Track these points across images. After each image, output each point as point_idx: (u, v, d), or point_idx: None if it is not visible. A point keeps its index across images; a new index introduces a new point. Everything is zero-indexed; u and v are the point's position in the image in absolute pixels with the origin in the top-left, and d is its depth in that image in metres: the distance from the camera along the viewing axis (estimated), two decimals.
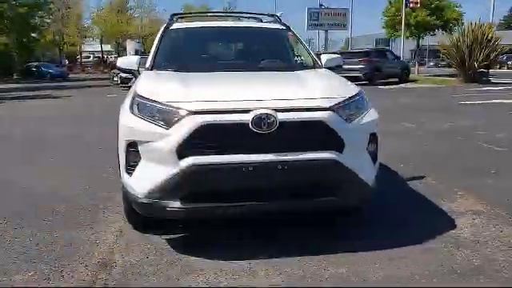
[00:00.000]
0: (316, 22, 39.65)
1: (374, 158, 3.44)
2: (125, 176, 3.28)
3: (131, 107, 3.30)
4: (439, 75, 29.62)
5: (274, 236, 3.57)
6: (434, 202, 4.32)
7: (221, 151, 3.00)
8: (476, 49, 20.82)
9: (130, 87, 15.36)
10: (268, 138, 2.99)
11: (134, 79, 4.50)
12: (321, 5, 43.25)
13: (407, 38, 33.20)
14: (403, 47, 32.08)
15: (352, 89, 3.50)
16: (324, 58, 4.57)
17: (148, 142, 3.10)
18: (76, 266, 3.08)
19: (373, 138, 3.40)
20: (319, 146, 3.09)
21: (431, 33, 33.58)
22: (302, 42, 4.78)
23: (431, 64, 60.10)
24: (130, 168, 3.24)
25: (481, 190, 4.66)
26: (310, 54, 4.62)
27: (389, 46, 53.00)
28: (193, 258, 3.18)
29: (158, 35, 4.63)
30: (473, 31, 21.29)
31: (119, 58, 4.56)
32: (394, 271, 2.97)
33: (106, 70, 45.19)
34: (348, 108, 3.25)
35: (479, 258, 3.14)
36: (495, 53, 21.85)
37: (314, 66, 4.42)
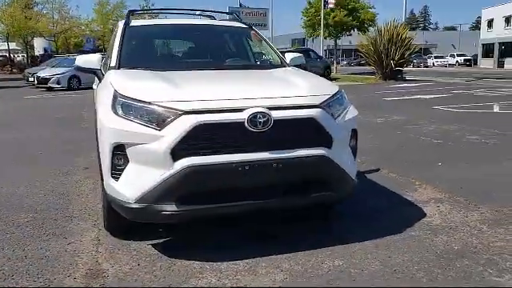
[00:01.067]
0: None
1: (355, 153, 3.57)
2: (110, 181, 3.12)
3: (113, 107, 3.14)
4: (357, 73, 31.09)
5: (264, 234, 3.59)
6: (398, 193, 4.55)
7: (216, 151, 2.95)
8: (392, 48, 22.12)
9: (48, 88, 14.74)
10: (262, 137, 2.99)
11: (97, 80, 4.28)
12: (240, 4, 43.65)
13: (325, 38, 34.45)
14: (322, 47, 33.28)
15: (333, 86, 3.59)
16: (288, 56, 4.64)
17: (137, 144, 2.98)
18: (63, 279, 2.90)
19: (354, 133, 3.52)
20: (310, 143, 3.15)
21: (347, 33, 35.13)
22: (266, 41, 4.81)
23: (344, 63, 63.08)
24: (116, 172, 3.08)
25: (435, 180, 4.98)
26: (276, 52, 4.66)
27: (305, 45, 54.77)
28: (186, 261, 3.10)
29: (119, 32, 4.43)
30: (388, 31, 22.59)
31: (78, 57, 4.29)
32: (387, 260, 3.10)
33: (14, 70, 42.19)
34: (333, 105, 3.33)
35: (457, 243, 3.37)
36: (409, 52, 23.39)
37: (282, 64, 4.47)
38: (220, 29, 4.97)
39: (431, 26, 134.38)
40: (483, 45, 60.96)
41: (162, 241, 3.47)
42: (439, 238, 3.46)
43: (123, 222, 3.42)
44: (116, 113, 3.10)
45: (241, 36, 4.92)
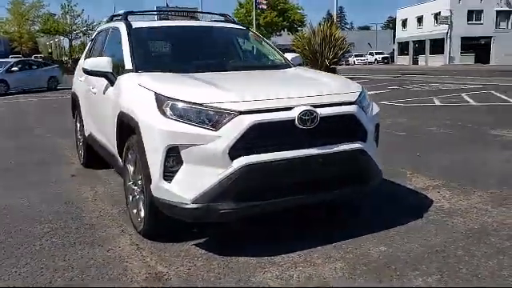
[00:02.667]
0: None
1: (377, 145, 3.82)
2: (162, 183, 3.11)
3: (161, 110, 3.14)
4: None
5: (297, 228, 3.73)
6: (397, 183, 4.88)
7: (270, 149, 3.06)
8: (326, 47, 22.93)
9: None
10: (310, 133, 3.14)
11: (107, 83, 4.17)
12: (167, 5, 43.16)
13: None
14: None
15: (357, 84, 3.81)
16: (289, 56, 4.82)
17: (193, 145, 3.01)
18: (129, 285, 2.86)
19: (377, 127, 3.76)
20: (349, 138, 3.35)
21: (278, 33, 35.93)
22: (266, 41, 4.94)
23: None
24: (169, 174, 3.09)
25: (422, 169, 5.37)
26: (279, 52, 4.81)
27: None
28: (240, 257, 3.17)
29: (123, 35, 4.34)
30: (322, 31, 23.39)
31: (87, 60, 4.17)
32: (425, 242, 3.37)
33: None
34: (363, 101, 3.55)
35: (474, 223, 3.73)
36: (342, 51, 24.38)
37: (287, 64, 4.63)
38: (224, 30, 5.02)
39: (347, 26, 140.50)
40: (399, 43, 64.78)
41: (202, 241, 3.49)
42: (457, 220, 3.79)
43: (164, 226, 3.43)
44: (165, 115, 3.11)
45: (244, 37, 5.01)
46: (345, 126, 3.34)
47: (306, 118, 3.09)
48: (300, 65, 4.77)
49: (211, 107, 3.04)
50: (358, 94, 3.52)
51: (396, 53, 65.75)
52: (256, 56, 4.91)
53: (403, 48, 63.73)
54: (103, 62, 4.05)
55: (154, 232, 3.46)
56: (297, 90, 3.33)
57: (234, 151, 2.97)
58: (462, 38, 53.15)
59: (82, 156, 5.89)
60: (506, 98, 12.96)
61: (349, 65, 60.26)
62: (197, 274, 2.97)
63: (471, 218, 3.84)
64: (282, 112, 3.09)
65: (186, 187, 3.05)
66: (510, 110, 10.72)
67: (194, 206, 3.03)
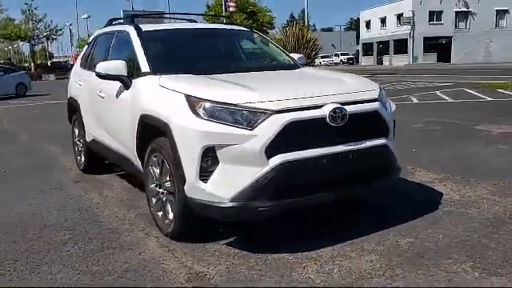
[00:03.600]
0: None
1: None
2: (198, 184, 3.13)
3: (194, 111, 3.16)
4: None
5: (319, 224, 3.81)
6: (402, 178, 5.00)
7: (303, 146, 3.13)
8: (299, 49, 23.22)
9: None
10: (340, 130, 3.23)
11: (120, 85, 4.15)
12: (133, 9, 42.69)
13: None
14: None
15: (375, 82, 3.92)
16: (295, 57, 4.91)
17: (229, 145, 3.05)
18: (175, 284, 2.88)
19: (394, 124, 3.89)
20: (374, 134, 3.46)
21: None
22: (272, 43, 5.01)
23: None
24: (205, 174, 3.12)
25: (421, 164, 5.55)
26: (285, 53, 4.89)
27: None
28: (275, 254, 3.22)
29: (134, 37, 4.32)
30: (294, 33, 23.70)
31: (101, 64, 4.12)
32: (448, 233, 3.50)
33: None
34: (383, 98, 3.67)
35: (488, 212, 3.90)
36: (314, 52, 24.77)
37: (296, 64, 4.72)
38: (232, 32, 5.06)
39: (310, 28, 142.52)
40: (363, 44, 66.12)
41: (231, 240, 3.52)
42: (471, 211, 3.96)
43: (195, 227, 3.46)
44: (199, 116, 3.13)
45: (250, 38, 5.06)
46: (369, 123, 3.44)
47: (337, 115, 3.18)
48: (306, 65, 4.87)
49: (246, 107, 3.08)
50: (378, 91, 3.63)
51: (360, 53, 67.07)
52: (265, 57, 4.97)
53: (367, 49, 65.07)
54: (118, 66, 4.03)
55: (184, 233, 3.47)
56: (324, 89, 3.41)
57: (270, 150, 3.03)
58: (425, 38, 54.80)
59: (82, 161, 5.79)
60: (478, 94, 13.46)
61: (314, 65, 61.11)
62: (238, 272, 3.01)
63: (483, 208, 4.01)
64: (313, 110, 3.17)
65: (223, 186, 3.08)
66: (486, 106, 11.15)
67: (232, 204, 3.06)
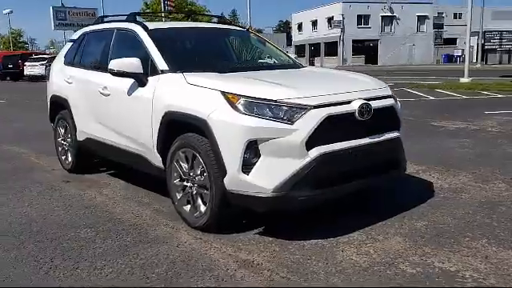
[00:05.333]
0: (64, 22, 37.64)
1: None
2: (240, 176, 3.28)
3: (234, 107, 3.31)
4: None
5: (335, 218, 4.08)
6: None
7: (336, 139, 3.39)
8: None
9: None
10: (365, 124, 3.53)
11: (133, 82, 4.17)
12: (63, 4, 41.04)
13: None
14: None
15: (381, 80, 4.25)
16: (292, 56, 5.16)
17: (271, 138, 3.23)
18: (233, 274, 3.00)
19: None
20: (390, 127, 3.80)
21: None
22: (270, 43, 5.22)
23: None
24: (247, 167, 3.28)
25: None
26: (285, 53, 5.13)
27: None
28: (310, 240, 3.42)
29: (143, 36, 4.35)
30: None
31: (115, 61, 4.11)
32: (453, 215, 3.90)
33: None
34: (394, 95, 4.02)
35: (479, 196, 4.36)
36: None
37: (296, 64, 4.97)
38: (233, 32, 5.20)
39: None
40: (296, 46, 67.73)
41: (260, 229, 3.67)
42: (463, 196, 4.41)
43: (228, 218, 3.61)
44: (240, 112, 3.28)
45: (249, 38, 5.24)
46: (387, 117, 3.77)
47: (364, 110, 3.46)
48: None
49: (286, 103, 3.28)
50: (388, 88, 3.97)
51: (293, 55, 68.59)
52: (269, 56, 5.17)
53: (299, 50, 66.73)
54: (135, 63, 4.05)
55: (218, 225, 3.58)
56: (349, 86, 3.69)
57: (309, 142, 3.25)
58: (353, 41, 57.30)
59: (70, 161, 5.67)
60: (419, 93, 14.47)
61: None
62: (284, 258, 3.19)
63: (473, 193, 4.48)
64: (343, 106, 3.44)
65: (265, 178, 3.26)
66: (432, 105, 12.06)
67: (274, 194, 3.24)
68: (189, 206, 3.77)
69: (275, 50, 5.21)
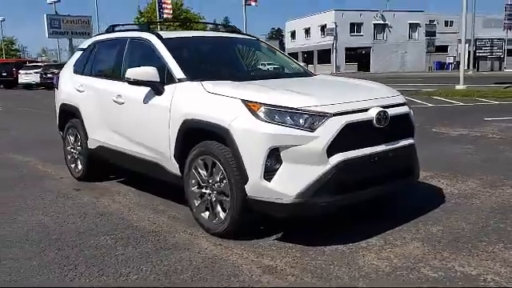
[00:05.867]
0: (58, 30, 37.65)
1: None
2: (262, 182, 3.33)
3: (255, 115, 3.37)
4: None
5: (352, 224, 4.14)
6: None
7: (355, 146, 3.46)
8: None
9: None
10: (382, 131, 3.60)
11: (149, 91, 4.22)
12: (56, 12, 40.97)
13: None
14: None
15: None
16: (301, 64, 5.24)
17: (293, 146, 3.29)
18: (255, 279, 3.05)
19: None
20: (405, 134, 3.88)
21: None
22: (280, 51, 5.30)
23: None
24: (269, 173, 3.33)
25: None
26: (295, 61, 5.20)
27: None
28: (330, 246, 3.48)
29: (160, 46, 4.41)
30: None
31: (132, 70, 4.16)
32: (467, 220, 3.97)
33: None
34: (407, 103, 4.10)
35: (490, 202, 4.44)
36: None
37: (306, 72, 5.05)
38: (245, 41, 5.27)
39: None
40: (289, 53, 67.79)
41: (278, 235, 3.72)
42: (474, 202, 4.48)
43: (248, 225, 3.65)
44: (262, 120, 3.34)
45: (260, 47, 5.31)
46: (402, 124, 3.85)
47: (381, 117, 3.53)
48: None
49: (306, 111, 3.35)
50: (401, 96, 4.05)
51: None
52: (281, 64, 5.24)
53: (293, 58, 67.05)
54: (152, 72, 4.10)
55: (238, 231, 3.62)
56: (366, 94, 3.77)
57: (330, 149, 3.31)
58: (346, 49, 57.74)
59: (79, 169, 5.69)
60: (418, 100, 14.60)
61: None
62: (307, 263, 3.24)
63: (483, 199, 4.56)
64: (361, 113, 3.51)
65: (287, 184, 3.31)
66: (431, 111, 12.20)
67: (296, 201, 3.30)
68: (207, 213, 3.81)
69: (286, 59, 5.28)
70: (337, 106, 3.43)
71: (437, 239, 3.60)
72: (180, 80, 4.05)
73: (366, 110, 3.54)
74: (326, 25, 57.83)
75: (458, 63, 51.81)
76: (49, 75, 29.60)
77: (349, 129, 3.38)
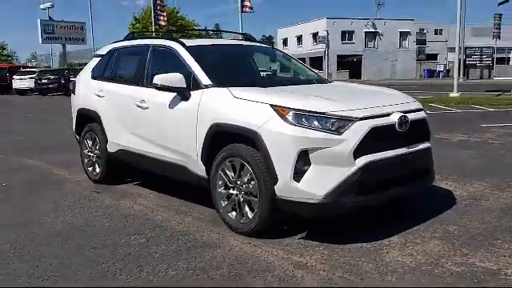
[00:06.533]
0: (52, 35, 37.65)
1: None
2: (292, 183, 3.51)
3: (284, 119, 3.55)
4: None
5: (374, 224, 4.32)
6: None
7: (379, 149, 3.66)
8: None
9: None
10: (403, 135, 3.81)
11: (175, 96, 4.39)
12: (50, 17, 40.99)
13: None
14: None
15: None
16: (316, 71, 5.45)
17: (321, 148, 3.48)
18: (295, 273, 3.22)
19: None
20: (423, 138, 4.09)
21: None
22: (294, 59, 5.50)
23: None
24: (298, 175, 3.52)
25: None
26: (310, 68, 5.41)
27: None
28: (354, 244, 3.66)
29: (185, 53, 4.58)
30: None
31: (160, 76, 4.32)
32: (481, 220, 4.18)
33: None
34: (424, 108, 4.31)
35: (499, 203, 4.65)
36: None
37: (321, 78, 5.25)
38: (261, 48, 5.47)
39: None
40: None
41: (303, 234, 3.90)
42: (484, 203, 4.70)
43: (275, 224, 3.82)
44: (291, 124, 3.53)
45: (276, 55, 5.51)
46: (420, 129, 4.06)
47: (402, 122, 3.74)
48: None
49: (334, 115, 3.54)
50: (419, 102, 4.27)
51: (278, 70, 69.38)
52: (297, 71, 5.44)
53: None
54: (179, 78, 4.27)
55: (266, 230, 3.79)
56: (387, 100, 3.98)
57: (356, 152, 3.51)
58: (338, 56, 58.29)
59: (97, 172, 5.82)
60: None
61: None
62: (335, 260, 3.42)
63: (492, 200, 4.78)
64: (384, 118, 3.71)
65: (316, 185, 3.50)
66: (431, 118, 12.41)
67: (325, 201, 3.48)
68: (234, 213, 3.97)
69: (301, 66, 5.48)
70: (362, 111, 3.63)
71: (454, 237, 3.79)
72: (206, 86, 4.22)
73: (388, 114, 3.74)
74: (317, 33, 58.36)
75: (448, 71, 53.12)
76: (44, 81, 29.56)
77: (373, 132, 3.57)
